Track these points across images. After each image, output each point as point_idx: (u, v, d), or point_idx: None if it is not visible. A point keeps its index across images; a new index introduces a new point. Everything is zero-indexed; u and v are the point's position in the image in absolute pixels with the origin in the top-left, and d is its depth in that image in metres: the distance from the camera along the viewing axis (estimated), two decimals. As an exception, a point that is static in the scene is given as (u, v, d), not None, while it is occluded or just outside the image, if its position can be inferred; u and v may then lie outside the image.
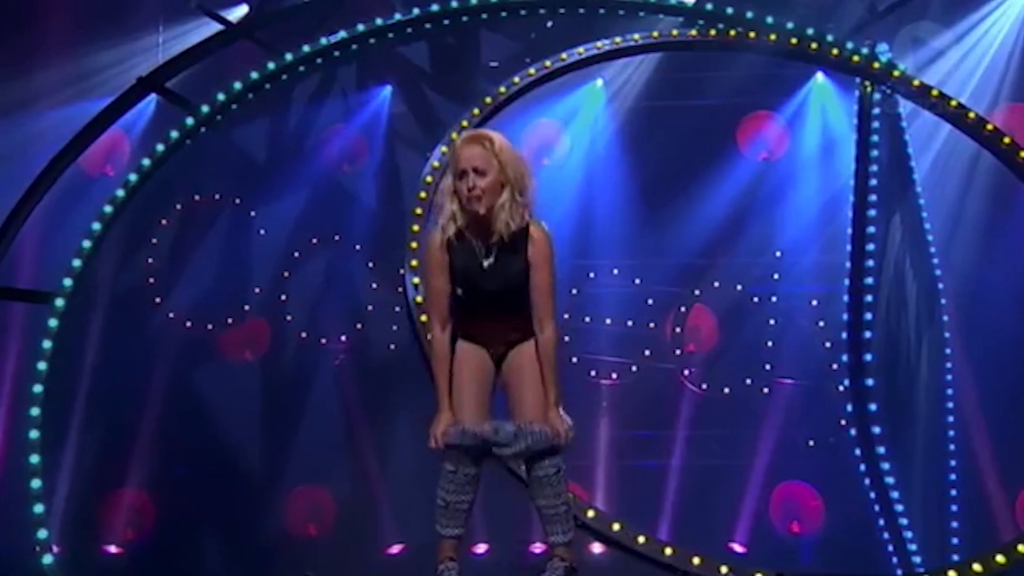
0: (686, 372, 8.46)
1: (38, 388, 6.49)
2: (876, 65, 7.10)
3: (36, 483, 6.36)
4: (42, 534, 6.29)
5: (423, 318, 6.32)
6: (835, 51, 7.12)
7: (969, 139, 7.06)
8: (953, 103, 6.95)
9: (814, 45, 7.10)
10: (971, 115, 6.91)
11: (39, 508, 6.32)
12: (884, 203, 7.34)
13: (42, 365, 6.51)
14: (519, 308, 3.95)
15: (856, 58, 7.11)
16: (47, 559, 6.26)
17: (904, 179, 7.51)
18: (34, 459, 6.38)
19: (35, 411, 6.47)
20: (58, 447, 7.32)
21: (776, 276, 8.45)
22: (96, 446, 7.86)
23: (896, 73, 7.06)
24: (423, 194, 6.52)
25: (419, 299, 6.45)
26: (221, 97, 7.03)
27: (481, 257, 3.90)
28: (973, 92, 7.78)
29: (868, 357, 6.97)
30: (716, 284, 8.51)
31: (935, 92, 7.00)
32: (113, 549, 7.94)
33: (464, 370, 4.00)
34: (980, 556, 5.90)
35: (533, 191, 3.95)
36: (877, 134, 7.31)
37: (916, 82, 7.06)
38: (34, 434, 6.43)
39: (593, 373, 8.46)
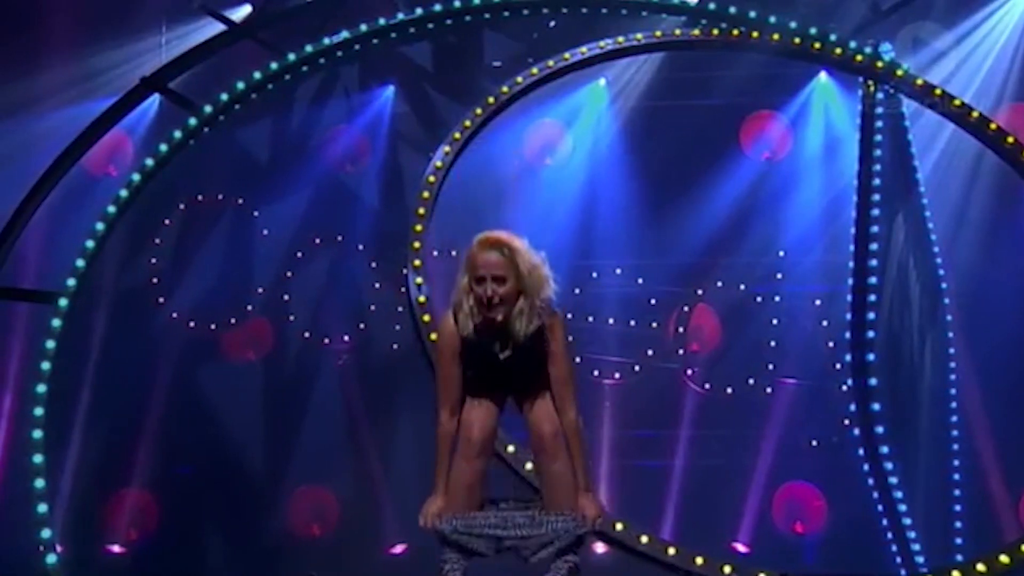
0: (689, 372, 8.45)
1: (41, 388, 6.50)
2: (879, 64, 7.09)
3: (40, 483, 6.37)
4: (46, 534, 6.30)
5: (425, 317, 6.32)
6: (838, 50, 7.12)
7: (972, 138, 7.06)
8: (956, 102, 6.95)
9: (817, 44, 7.10)
10: (974, 114, 6.90)
11: (43, 508, 6.33)
12: (887, 203, 7.32)
13: (46, 365, 6.52)
14: (534, 385, 3.92)
15: (859, 57, 7.10)
16: (51, 559, 6.26)
17: (907, 179, 7.50)
18: (38, 459, 6.39)
19: (39, 411, 6.47)
20: (62, 447, 7.33)
21: (779, 276, 8.44)
22: (99, 446, 7.86)
23: (899, 72, 7.06)
24: (426, 194, 6.52)
25: (422, 299, 6.46)
26: (224, 97, 7.04)
27: (497, 351, 3.87)
28: (976, 91, 7.77)
29: (871, 356, 6.96)
30: (719, 284, 8.50)
31: (938, 91, 7.00)
32: (116, 549, 7.95)
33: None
34: (984, 556, 5.90)
35: (551, 291, 3.89)
36: (880, 134, 7.30)
37: (919, 81, 7.05)
38: (37, 434, 6.44)
39: (596, 373, 8.45)
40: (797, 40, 7.10)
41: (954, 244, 7.69)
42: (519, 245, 3.85)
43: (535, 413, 3.94)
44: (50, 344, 6.55)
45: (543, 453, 3.94)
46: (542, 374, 3.91)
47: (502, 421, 4.00)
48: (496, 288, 3.80)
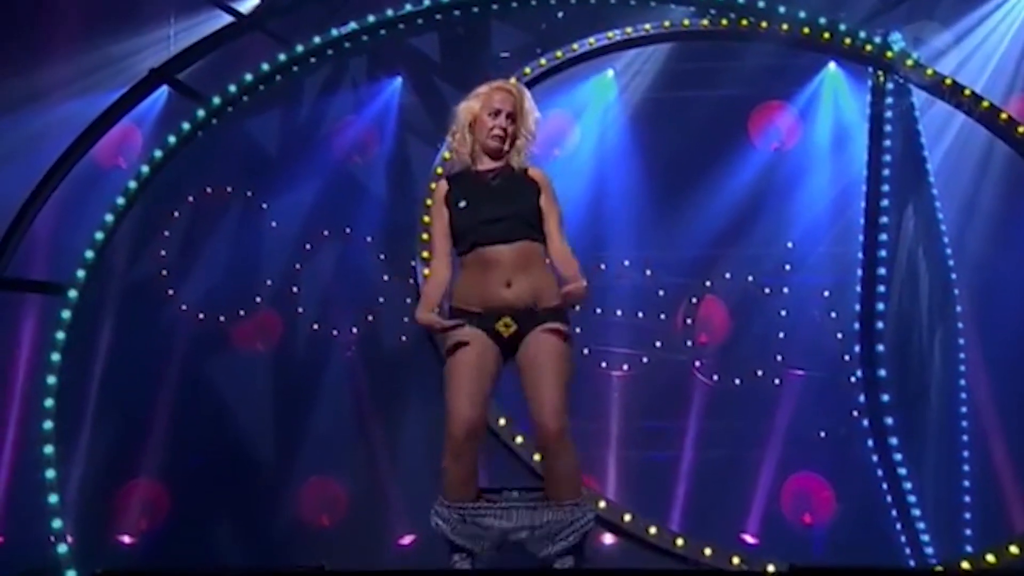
0: (697, 363, 8.44)
1: (52, 379, 6.54)
2: (889, 54, 7.07)
3: (50, 473, 6.41)
4: (57, 524, 6.34)
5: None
6: (848, 40, 7.10)
7: (983, 128, 7.03)
8: (967, 92, 6.93)
9: (826, 34, 7.08)
10: (985, 104, 6.88)
11: (54, 498, 6.37)
12: (897, 193, 7.31)
13: (56, 356, 6.55)
14: (524, 232, 4.02)
15: (869, 47, 7.08)
16: (62, 548, 6.30)
17: (917, 169, 7.48)
18: (48, 449, 6.43)
19: (49, 402, 6.52)
20: (72, 438, 7.35)
21: (788, 267, 8.41)
22: (109, 437, 7.88)
23: (909, 62, 7.04)
24: (434, 185, 6.51)
25: (430, 290, 6.45)
26: (232, 89, 7.05)
27: (487, 181, 4.14)
28: (987, 81, 7.72)
29: (881, 348, 6.95)
30: (727, 275, 8.48)
31: (948, 81, 6.97)
32: (127, 539, 7.98)
33: (462, 360, 3.95)
34: (993, 547, 5.90)
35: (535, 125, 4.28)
36: (890, 124, 7.28)
37: (930, 71, 7.03)
38: (48, 425, 6.48)
39: (604, 364, 8.44)
40: (806, 30, 7.08)
41: (964, 234, 7.65)
42: (526, 91, 4.30)
43: (541, 406, 3.90)
44: (60, 335, 6.58)
45: (547, 452, 3.93)
46: (532, 230, 4.04)
47: (500, 394, 4.00)
48: (508, 123, 4.18)
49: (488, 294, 3.98)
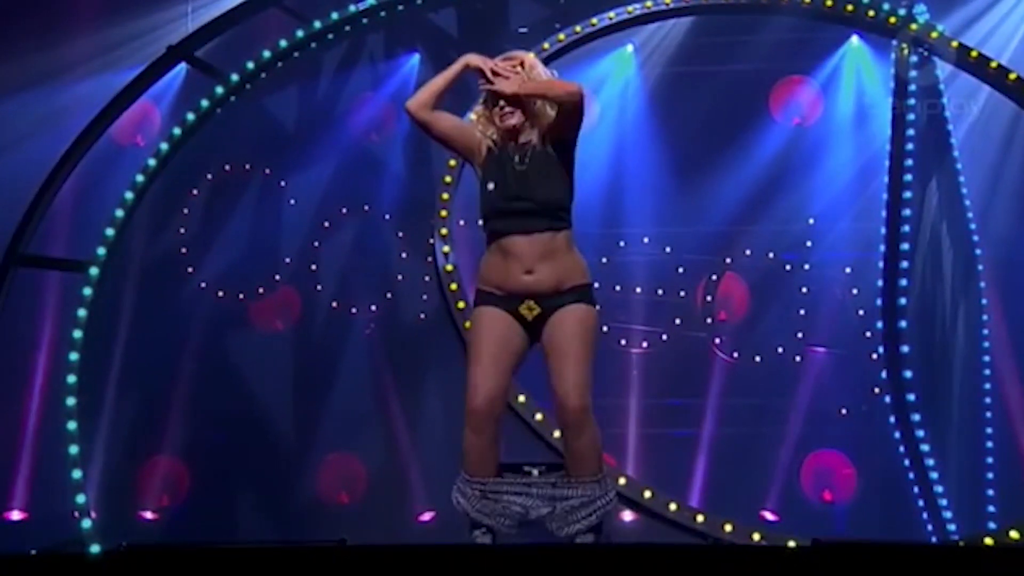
0: (717, 340, 8.40)
1: (74, 356, 6.59)
2: (913, 26, 6.98)
3: (74, 449, 6.47)
4: (80, 499, 6.40)
5: (453, 286, 6.33)
6: (871, 12, 7.01)
7: (1009, 102, 6.94)
8: (993, 64, 6.83)
9: (849, 7, 6.99)
10: (1012, 76, 6.79)
11: (77, 474, 6.43)
12: (920, 168, 7.23)
13: (77, 333, 6.60)
14: (545, 224, 3.93)
15: (893, 19, 6.99)
16: (86, 523, 6.37)
17: (941, 143, 7.39)
18: (71, 425, 6.49)
19: (71, 378, 6.57)
20: (94, 414, 7.41)
21: (809, 243, 8.35)
22: (131, 413, 7.94)
23: (934, 34, 6.94)
24: (452, 162, 6.50)
25: (449, 268, 6.47)
26: (251, 66, 7.04)
27: (513, 164, 3.99)
28: (1013, 54, 7.60)
29: (903, 324, 6.89)
30: (748, 252, 8.42)
31: (974, 53, 6.88)
32: (149, 515, 8.05)
33: (484, 336, 3.94)
34: (1016, 523, 5.86)
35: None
36: (913, 98, 7.19)
37: (955, 44, 6.93)
38: (71, 401, 6.53)
39: (623, 342, 8.42)
40: (829, 2, 6.99)
41: (988, 210, 7.57)
42: (529, 63, 4.12)
43: (563, 382, 3.90)
44: (81, 313, 6.62)
45: (567, 428, 3.93)
46: (560, 214, 3.95)
47: (522, 376, 3.99)
48: (508, 101, 4.03)
49: (509, 280, 3.96)
